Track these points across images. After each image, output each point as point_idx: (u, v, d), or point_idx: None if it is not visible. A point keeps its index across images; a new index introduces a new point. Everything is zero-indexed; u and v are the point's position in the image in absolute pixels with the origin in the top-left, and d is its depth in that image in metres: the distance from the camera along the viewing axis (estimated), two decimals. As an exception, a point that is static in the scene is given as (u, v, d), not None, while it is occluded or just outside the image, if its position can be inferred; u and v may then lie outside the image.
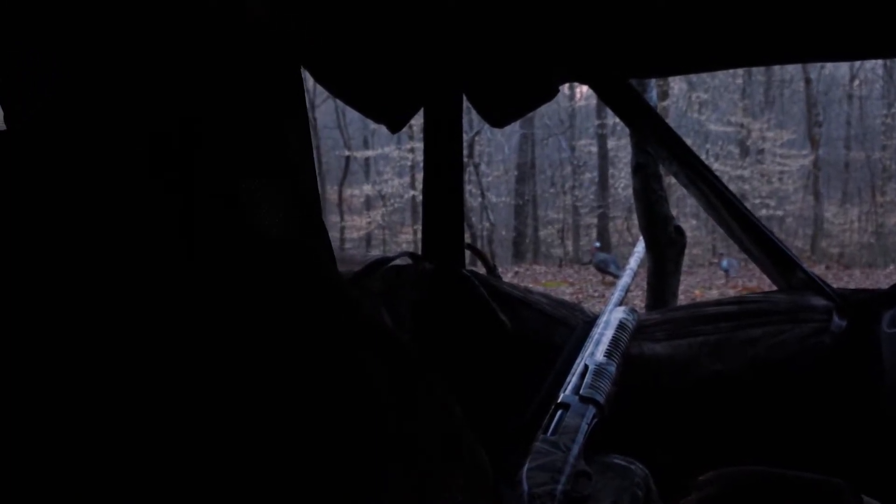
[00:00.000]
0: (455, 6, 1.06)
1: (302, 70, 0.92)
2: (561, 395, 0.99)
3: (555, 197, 13.29)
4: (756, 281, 7.64)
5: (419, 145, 9.65)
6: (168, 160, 0.46)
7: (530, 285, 8.08)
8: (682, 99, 11.81)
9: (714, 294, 7.32)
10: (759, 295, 1.28)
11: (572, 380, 1.02)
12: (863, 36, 1.10)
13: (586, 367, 1.04)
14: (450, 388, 0.56)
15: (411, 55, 1.23)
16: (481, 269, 1.46)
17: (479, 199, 12.06)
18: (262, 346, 0.47)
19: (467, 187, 11.68)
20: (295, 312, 0.50)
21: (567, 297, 7.12)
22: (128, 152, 0.46)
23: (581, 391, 0.99)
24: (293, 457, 0.44)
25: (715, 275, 9.22)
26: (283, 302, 0.49)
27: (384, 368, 0.50)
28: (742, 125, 11.69)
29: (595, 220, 12.20)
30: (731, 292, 7.36)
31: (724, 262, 8.70)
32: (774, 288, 1.31)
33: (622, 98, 1.34)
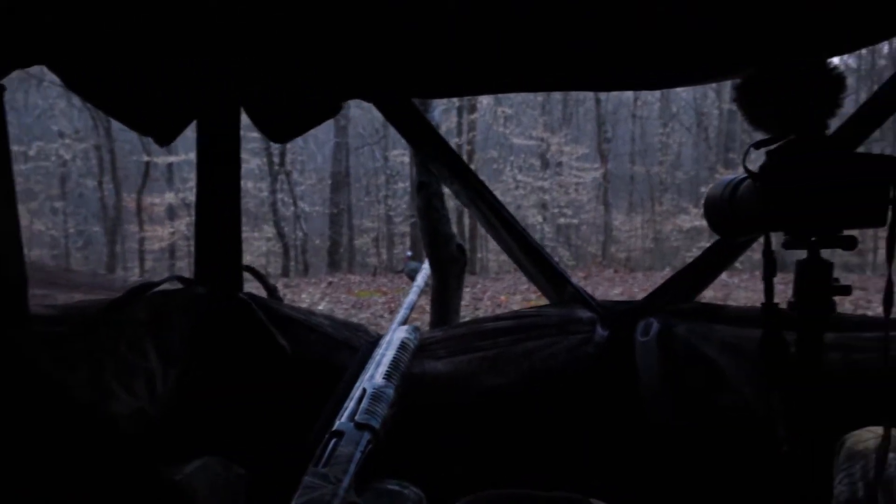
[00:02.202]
0: (228, 14, 0.99)
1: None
2: (336, 423, 0.96)
3: (370, 206, 13.33)
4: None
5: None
6: None
7: (342, 295, 7.99)
8: (489, 113, 12.39)
9: (518, 299, 7.72)
10: (533, 309, 1.34)
11: (349, 405, 1.00)
12: (618, 69, 1.18)
13: (364, 391, 1.02)
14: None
15: (180, 62, 1.14)
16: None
17: (292, 209, 11.78)
18: None
19: (279, 196, 11.36)
20: None
21: (380, 307, 7.12)
22: None
23: (357, 417, 0.97)
24: None
25: (519, 280, 9.76)
26: None
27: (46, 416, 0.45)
28: (542, 139, 12.51)
29: (408, 229, 12.40)
30: (534, 296, 7.82)
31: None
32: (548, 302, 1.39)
33: (405, 117, 1.35)
